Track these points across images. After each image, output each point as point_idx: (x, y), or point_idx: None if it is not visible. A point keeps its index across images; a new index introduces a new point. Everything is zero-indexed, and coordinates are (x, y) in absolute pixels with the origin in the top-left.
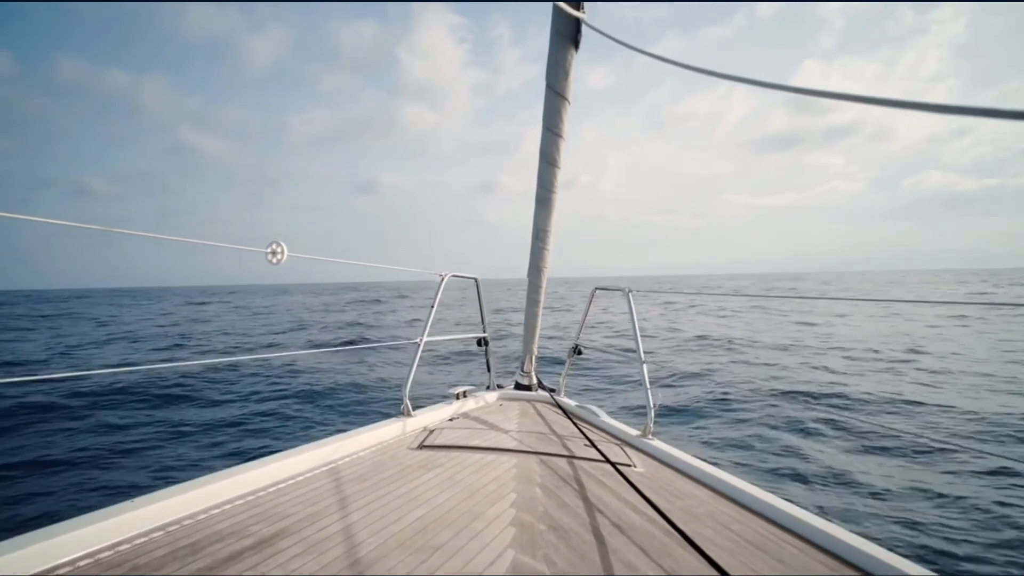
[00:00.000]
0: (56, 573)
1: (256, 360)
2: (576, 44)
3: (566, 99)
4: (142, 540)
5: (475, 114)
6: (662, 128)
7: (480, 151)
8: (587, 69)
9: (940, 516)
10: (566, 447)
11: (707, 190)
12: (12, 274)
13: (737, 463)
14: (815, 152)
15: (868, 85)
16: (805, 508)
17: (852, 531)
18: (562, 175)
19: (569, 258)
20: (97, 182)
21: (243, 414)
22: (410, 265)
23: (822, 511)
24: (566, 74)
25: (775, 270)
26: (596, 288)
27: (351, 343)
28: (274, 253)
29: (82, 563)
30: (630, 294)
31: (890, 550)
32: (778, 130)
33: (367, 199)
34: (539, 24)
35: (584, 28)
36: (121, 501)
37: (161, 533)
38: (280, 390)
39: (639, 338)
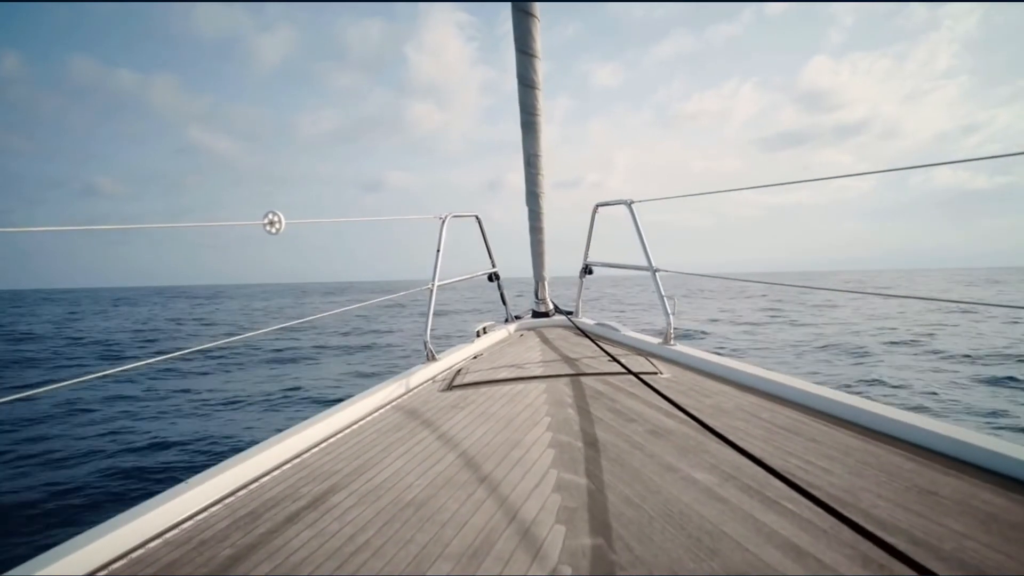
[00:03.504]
0: (131, 555)
1: (261, 335)
2: None
3: (535, 16)
4: (203, 515)
5: (483, 112)
6: (671, 126)
7: (488, 149)
8: (595, 67)
9: None
10: (591, 366)
11: (717, 188)
12: (11, 274)
13: None
14: (825, 150)
15: (878, 82)
16: (831, 388)
17: (876, 402)
18: (566, 174)
19: (578, 257)
20: (107, 182)
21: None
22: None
23: None
24: None
25: (787, 269)
26: (597, 204)
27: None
28: (271, 223)
29: (152, 544)
30: (632, 205)
31: (913, 412)
32: (787, 128)
33: (374, 197)
34: (546, 21)
35: None
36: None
37: (219, 507)
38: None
39: (647, 248)
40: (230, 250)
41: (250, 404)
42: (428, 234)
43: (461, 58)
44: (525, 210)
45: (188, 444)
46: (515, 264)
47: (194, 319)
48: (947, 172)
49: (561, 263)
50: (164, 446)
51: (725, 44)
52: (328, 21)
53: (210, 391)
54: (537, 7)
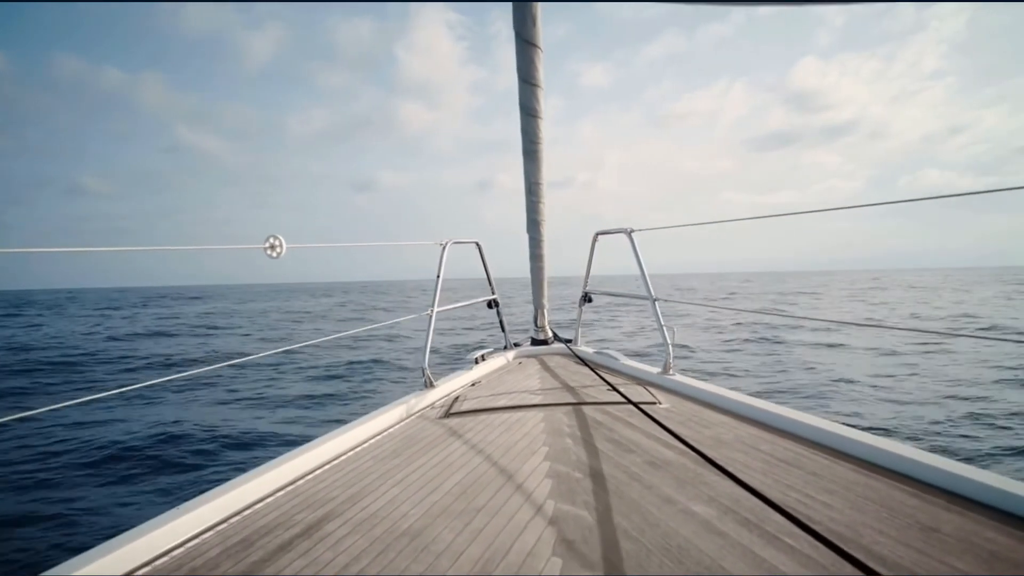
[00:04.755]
0: None
1: (265, 356)
2: None
3: (537, 47)
4: (195, 543)
5: (474, 112)
6: (660, 126)
7: (479, 149)
8: (585, 67)
9: None
10: (590, 394)
11: (706, 188)
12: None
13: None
14: (813, 150)
15: (866, 83)
16: (832, 421)
17: (878, 436)
18: (557, 174)
19: (567, 257)
20: (94, 181)
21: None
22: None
23: None
24: (533, 20)
25: (783, 269)
26: (597, 233)
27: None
28: (272, 247)
29: (140, 572)
30: (632, 234)
31: (915, 447)
32: (776, 128)
33: (365, 197)
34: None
35: None
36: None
37: (211, 533)
38: (297, 380)
39: (647, 277)
40: (222, 251)
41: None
42: (420, 237)
43: (451, 57)
44: (514, 210)
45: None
46: (505, 265)
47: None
48: (935, 173)
49: (550, 266)
50: None
51: (715, 44)
52: (318, 20)
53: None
54: (540, 38)
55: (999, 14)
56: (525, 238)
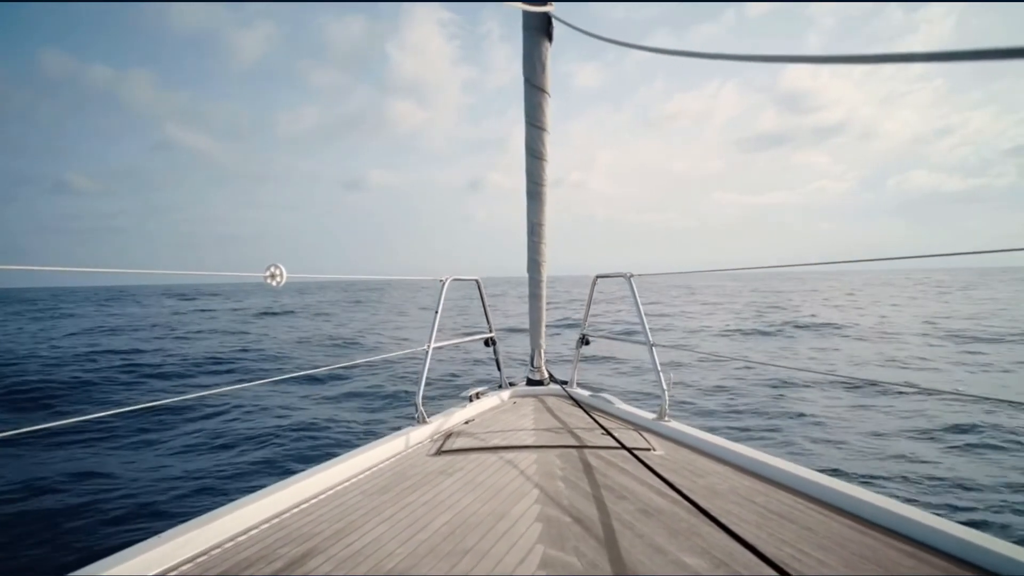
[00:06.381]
0: None
1: (258, 385)
2: (549, 37)
3: (545, 92)
4: (172, 575)
5: (466, 111)
6: (652, 126)
7: (471, 148)
8: (576, 67)
9: None
10: (584, 438)
11: (697, 188)
12: None
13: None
14: (804, 151)
15: (857, 84)
16: (829, 475)
17: (875, 492)
18: (551, 173)
19: (556, 258)
20: (79, 179)
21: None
22: (410, 273)
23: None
24: (543, 67)
25: (779, 270)
26: (597, 276)
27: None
28: (273, 276)
29: None
30: (632, 279)
31: (913, 506)
32: (767, 129)
33: (355, 196)
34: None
35: (555, 20)
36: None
37: (190, 565)
38: (285, 414)
39: (645, 322)
40: (210, 251)
41: None
42: (415, 237)
43: (443, 56)
44: (505, 209)
45: None
46: (497, 264)
47: None
48: (923, 174)
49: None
50: None
51: (707, 44)
52: (309, 18)
53: None
54: (549, 84)
55: (985, 16)
56: (519, 238)
